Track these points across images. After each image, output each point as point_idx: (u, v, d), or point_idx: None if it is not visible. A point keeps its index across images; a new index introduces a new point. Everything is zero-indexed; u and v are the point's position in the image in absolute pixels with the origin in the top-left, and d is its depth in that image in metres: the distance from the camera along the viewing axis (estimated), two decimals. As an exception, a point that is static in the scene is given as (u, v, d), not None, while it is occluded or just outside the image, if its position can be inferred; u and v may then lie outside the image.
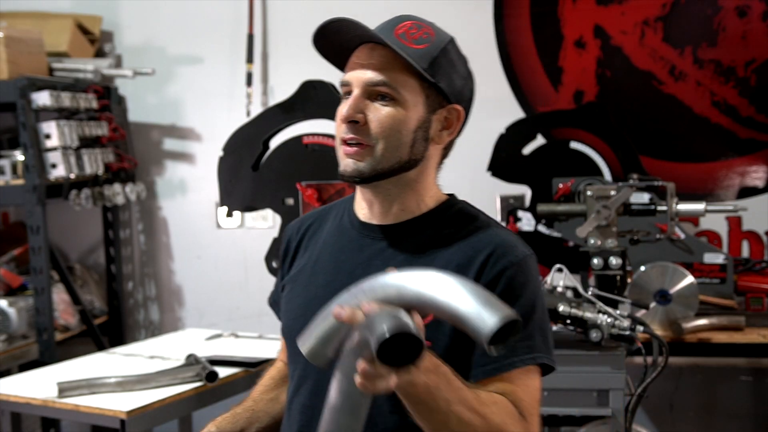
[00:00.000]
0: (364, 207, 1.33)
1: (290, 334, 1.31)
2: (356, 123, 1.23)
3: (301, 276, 1.36)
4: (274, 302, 1.50)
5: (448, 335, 1.20)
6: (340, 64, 1.30)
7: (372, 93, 1.23)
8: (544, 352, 1.24)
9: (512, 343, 1.00)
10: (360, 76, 1.24)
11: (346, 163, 1.25)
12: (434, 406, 1.05)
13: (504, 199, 3.04)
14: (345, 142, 1.25)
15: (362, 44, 1.26)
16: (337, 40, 1.27)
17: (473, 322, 0.98)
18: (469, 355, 1.21)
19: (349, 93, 1.26)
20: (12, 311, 3.20)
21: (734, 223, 3.22)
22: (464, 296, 1.00)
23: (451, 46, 1.29)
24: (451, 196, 1.36)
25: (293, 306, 1.36)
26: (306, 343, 1.11)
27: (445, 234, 1.27)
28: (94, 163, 3.40)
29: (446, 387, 1.06)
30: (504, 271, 1.21)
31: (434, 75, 1.24)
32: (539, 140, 3.21)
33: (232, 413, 1.45)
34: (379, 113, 1.22)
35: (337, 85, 2.63)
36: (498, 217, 2.97)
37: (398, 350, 0.95)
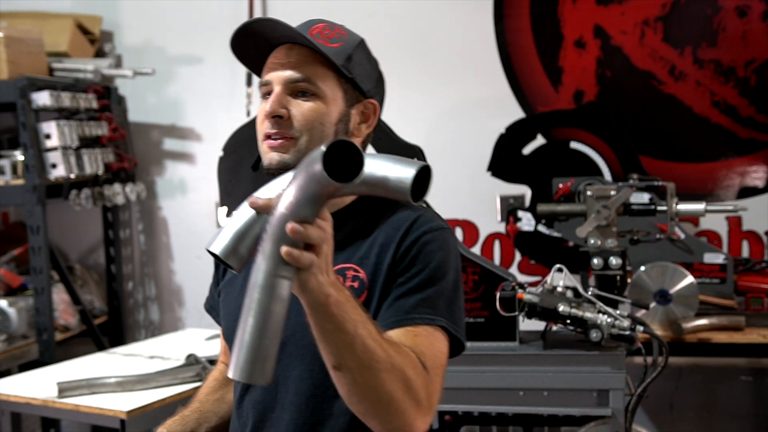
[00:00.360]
0: None
1: (231, 337, 1.33)
2: (280, 118, 1.26)
3: (236, 280, 1.37)
4: (211, 308, 1.52)
5: (373, 311, 1.22)
6: (256, 67, 1.34)
7: (293, 90, 1.27)
8: (447, 320, 1.22)
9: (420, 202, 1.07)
10: (280, 74, 1.27)
11: (270, 156, 1.28)
12: (341, 324, 1.04)
13: (504, 199, 3.04)
14: (268, 137, 1.27)
15: (278, 46, 1.30)
16: (253, 43, 1.30)
17: (393, 180, 1.05)
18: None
19: (269, 93, 1.29)
20: (12, 311, 3.20)
21: (734, 223, 3.22)
22: (378, 162, 1.06)
23: (362, 45, 1.34)
24: None
25: (231, 309, 1.36)
26: (218, 244, 1.09)
27: (365, 222, 1.30)
28: (94, 163, 3.40)
29: (353, 309, 1.06)
30: (419, 238, 1.24)
31: (350, 71, 1.29)
32: (539, 140, 3.21)
33: (181, 416, 1.47)
34: (301, 108, 1.26)
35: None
36: (498, 217, 2.97)
37: (340, 162, 0.95)
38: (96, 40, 3.78)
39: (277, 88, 1.27)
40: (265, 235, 1.00)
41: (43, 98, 3.17)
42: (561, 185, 2.75)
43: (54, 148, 3.19)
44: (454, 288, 1.25)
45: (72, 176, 3.26)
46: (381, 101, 1.38)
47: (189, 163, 3.83)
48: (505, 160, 3.07)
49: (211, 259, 1.16)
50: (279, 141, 1.26)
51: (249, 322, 0.99)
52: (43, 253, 3.19)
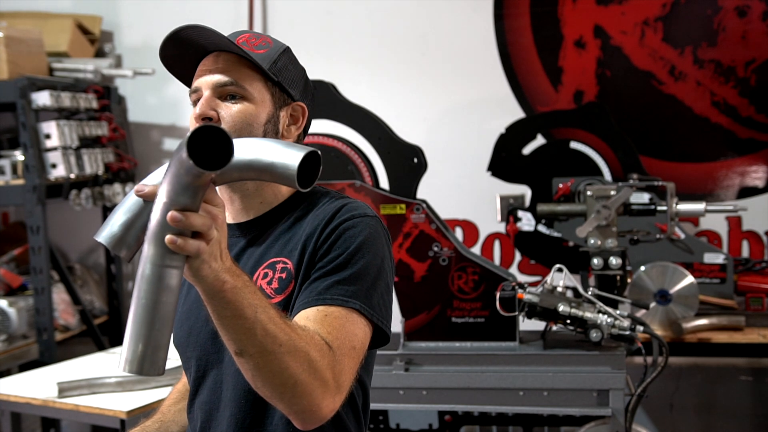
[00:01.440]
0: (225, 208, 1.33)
1: (178, 341, 1.37)
2: (209, 120, 1.28)
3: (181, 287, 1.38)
4: None
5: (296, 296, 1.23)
6: (186, 79, 1.37)
7: (221, 93, 1.30)
8: (363, 303, 1.20)
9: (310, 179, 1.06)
10: (209, 79, 1.30)
11: None
12: (240, 310, 1.04)
13: (504, 199, 3.03)
14: None
15: (206, 55, 1.33)
16: (181, 53, 1.32)
17: (279, 166, 1.04)
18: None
19: (198, 100, 1.31)
20: (12, 311, 3.20)
21: (734, 223, 3.22)
22: (266, 148, 1.06)
23: (288, 52, 1.37)
24: None
25: (176, 316, 1.35)
26: (105, 233, 1.07)
27: (298, 216, 1.32)
28: (94, 163, 3.40)
29: (252, 294, 1.06)
30: (341, 224, 1.25)
31: (276, 74, 1.32)
32: (539, 140, 3.21)
33: (141, 427, 1.47)
34: (230, 110, 1.29)
35: (336, 84, 2.64)
36: (498, 217, 2.97)
37: (208, 149, 0.92)
38: (96, 40, 3.78)
39: (206, 93, 1.30)
40: (150, 224, 0.98)
41: (43, 98, 3.17)
42: (561, 185, 2.75)
43: (54, 148, 3.19)
44: (377, 274, 1.24)
45: (72, 176, 3.26)
46: (310, 105, 1.41)
47: (189, 163, 3.83)
48: (505, 160, 3.07)
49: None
50: None
51: (138, 313, 0.97)
52: (43, 253, 3.19)
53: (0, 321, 3.18)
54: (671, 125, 3.35)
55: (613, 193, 2.43)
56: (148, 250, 0.98)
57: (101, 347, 3.44)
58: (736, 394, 3.33)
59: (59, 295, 3.46)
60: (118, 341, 3.69)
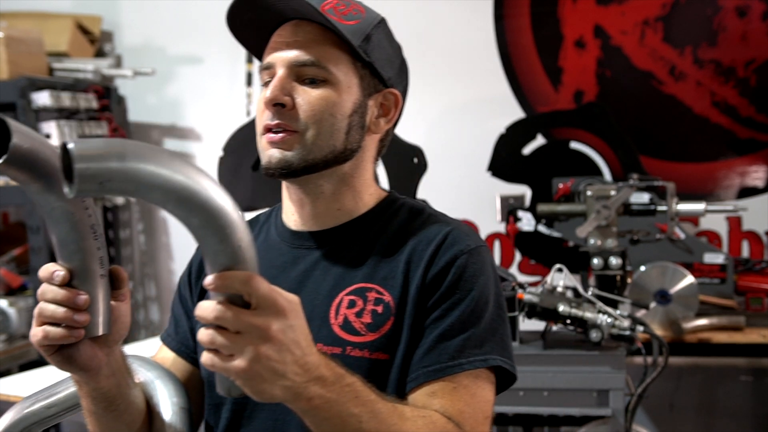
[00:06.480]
0: (293, 212, 1.16)
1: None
2: (282, 107, 1.06)
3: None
4: (169, 337, 1.23)
5: (405, 342, 1.05)
6: (256, 49, 1.14)
7: (299, 74, 1.07)
8: (499, 354, 1.05)
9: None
10: (285, 55, 1.07)
11: (270, 154, 1.07)
12: (340, 426, 0.88)
13: (504, 199, 3.03)
14: (268, 130, 1.07)
15: (284, 23, 1.09)
16: (253, 18, 1.09)
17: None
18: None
19: (271, 78, 1.08)
20: (12, 311, 3.20)
21: (734, 223, 3.22)
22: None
23: (383, 25, 1.13)
24: (391, 192, 1.20)
25: None
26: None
27: (386, 233, 1.11)
28: (94, 163, 3.40)
29: (353, 400, 0.89)
30: (455, 259, 1.06)
31: (368, 53, 1.09)
32: (539, 140, 3.21)
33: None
34: (309, 95, 1.06)
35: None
36: (498, 217, 2.97)
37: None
38: (96, 40, 3.78)
39: (280, 72, 1.07)
40: None
41: (43, 98, 3.17)
42: (561, 185, 2.75)
43: (54, 148, 3.19)
44: (499, 313, 1.08)
45: (72, 176, 3.26)
46: (404, 92, 1.18)
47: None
48: (505, 160, 3.07)
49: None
50: (280, 135, 1.06)
51: None
52: (43, 253, 3.19)
53: (0, 321, 3.18)
54: (671, 125, 3.35)
55: (613, 193, 2.43)
56: None
57: (101, 347, 3.44)
58: (736, 394, 3.32)
59: (59, 295, 3.46)
60: (118, 341, 3.69)
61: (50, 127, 3.18)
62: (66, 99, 3.27)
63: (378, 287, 1.07)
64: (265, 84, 1.09)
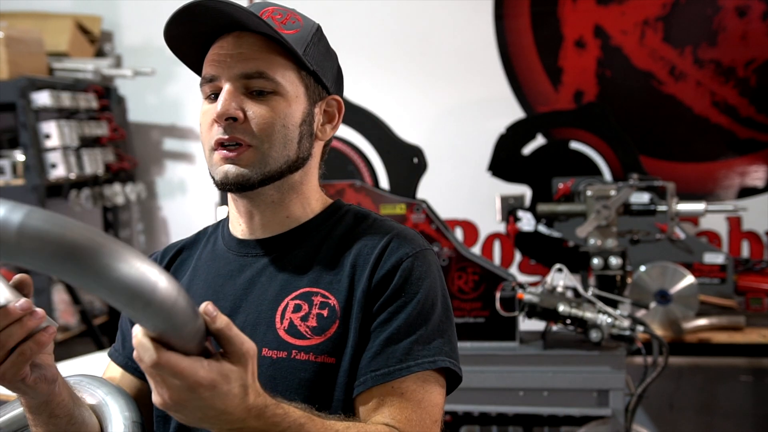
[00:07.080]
0: (241, 222, 1.14)
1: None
2: (234, 120, 1.04)
3: (197, 279, 1.16)
4: (117, 352, 1.25)
5: (352, 346, 1.04)
6: (193, 62, 1.14)
7: (248, 86, 1.05)
8: (447, 356, 1.04)
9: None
10: (231, 68, 1.05)
11: (225, 170, 1.05)
12: None
13: (504, 199, 3.03)
14: (220, 145, 1.05)
15: (223, 35, 1.08)
16: (191, 30, 1.09)
17: None
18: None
19: (215, 92, 1.07)
20: (12, 311, 3.20)
21: (734, 223, 3.22)
22: None
23: (320, 32, 1.12)
24: (338, 199, 1.21)
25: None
26: None
27: (336, 237, 1.12)
28: (94, 163, 3.40)
29: (296, 428, 0.90)
30: (400, 262, 1.06)
31: (312, 62, 1.08)
32: (539, 140, 3.21)
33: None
34: (259, 108, 1.04)
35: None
36: (498, 217, 2.97)
37: None
38: (96, 40, 3.78)
39: (227, 86, 1.04)
40: None
41: (43, 98, 3.17)
42: (561, 185, 2.75)
43: (54, 148, 3.19)
44: (447, 314, 1.09)
45: (72, 176, 3.26)
46: (342, 97, 1.18)
47: (189, 163, 3.83)
48: (505, 160, 3.07)
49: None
50: (234, 151, 1.05)
51: None
52: (43, 253, 3.19)
53: (0, 321, 3.18)
54: (671, 125, 3.35)
55: (613, 193, 2.43)
56: None
57: (101, 347, 3.44)
58: (736, 394, 3.33)
59: (59, 295, 3.46)
60: (118, 341, 3.69)
61: (50, 126, 3.18)
62: (66, 99, 3.27)
63: (324, 291, 1.06)
64: (208, 98, 1.08)
